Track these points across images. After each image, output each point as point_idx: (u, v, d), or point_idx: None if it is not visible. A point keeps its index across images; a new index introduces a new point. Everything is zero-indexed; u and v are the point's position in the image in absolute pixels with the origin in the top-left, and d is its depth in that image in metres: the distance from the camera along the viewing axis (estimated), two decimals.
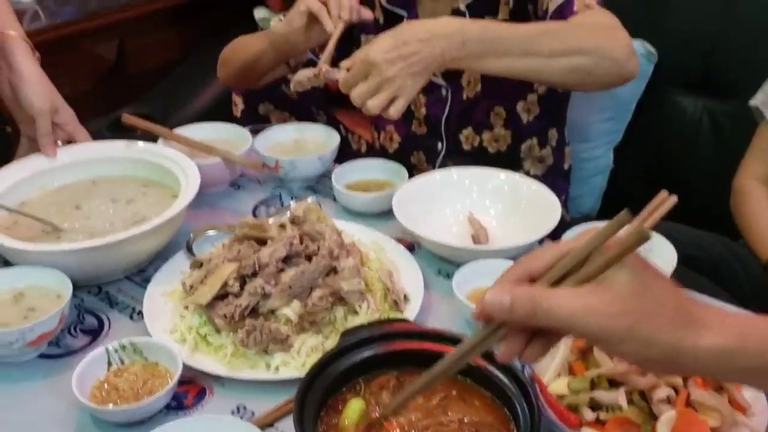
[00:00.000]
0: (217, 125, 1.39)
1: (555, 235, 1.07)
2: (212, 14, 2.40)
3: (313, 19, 1.27)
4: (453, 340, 0.79)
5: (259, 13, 2.28)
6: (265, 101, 1.59)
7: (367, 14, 1.28)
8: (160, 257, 1.10)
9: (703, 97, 1.65)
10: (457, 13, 1.37)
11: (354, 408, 0.74)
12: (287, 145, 1.40)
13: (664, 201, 0.99)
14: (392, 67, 1.09)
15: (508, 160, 1.47)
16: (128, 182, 1.20)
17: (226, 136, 1.37)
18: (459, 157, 1.48)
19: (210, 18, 2.38)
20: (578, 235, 0.59)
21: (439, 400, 0.76)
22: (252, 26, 2.16)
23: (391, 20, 1.42)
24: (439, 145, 1.49)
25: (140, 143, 1.24)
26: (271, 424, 0.85)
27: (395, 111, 1.12)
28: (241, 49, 1.46)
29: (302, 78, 1.25)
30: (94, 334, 1.00)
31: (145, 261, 1.11)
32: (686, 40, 1.63)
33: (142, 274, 1.10)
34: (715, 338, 0.56)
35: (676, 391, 0.78)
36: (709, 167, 1.64)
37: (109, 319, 1.02)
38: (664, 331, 0.55)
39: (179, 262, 1.08)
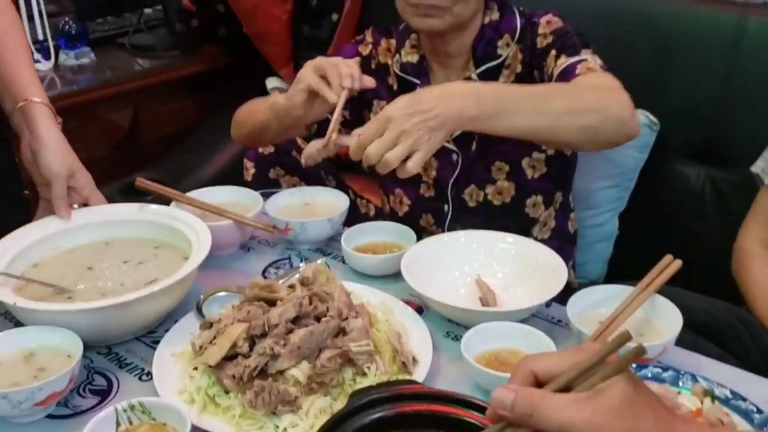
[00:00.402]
0: (229, 188, 1.42)
1: (562, 299, 1.08)
2: (225, 84, 2.46)
3: (313, 93, 1.27)
4: (462, 402, 0.78)
5: (271, 83, 2.34)
6: (276, 166, 1.63)
7: (369, 82, 1.28)
8: (170, 318, 1.11)
9: (705, 166, 1.68)
10: (468, 81, 1.42)
11: None
12: (297, 208, 1.42)
13: (669, 264, 1.00)
14: (410, 120, 1.09)
15: (516, 217, 1.49)
16: (140, 244, 1.22)
17: (237, 199, 1.39)
18: (466, 215, 1.50)
19: (223, 88, 2.44)
20: (580, 347, 0.64)
21: None
22: (265, 95, 2.22)
23: (405, 88, 1.47)
24: (446, 207, 1.51)
25: (153, 206, 1.26)
26: None
27: (413, 165, 1.09)
28: (251, 114, 1.49)
29: (312, 151, 1.25)
30: (103, 394, 1.00)
31: (155, 322, 1.11)
32: (687, 109, 1.67)
33: (151, 335, 1.11)
34: None
35: None
36: (713, 234, 1.65)
37: (118, 380, 1.02)
38: None
39: (189, 323, 1.08)
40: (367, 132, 1.11)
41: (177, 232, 1.20)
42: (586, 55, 1.33)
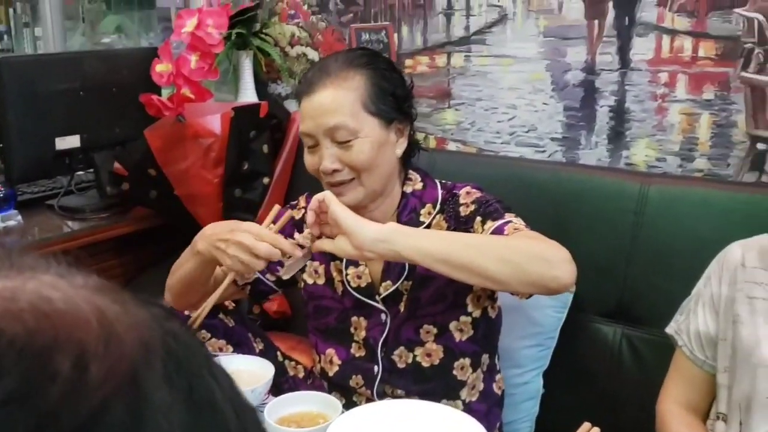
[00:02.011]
0: None
1: None
2: (154, 244, 2.47)
3: None
4: None
5: None
6: (200, 330, 1.62)
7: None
8: None
9: (620, 324, 1.75)
10: None
11: None
12: None
13: None
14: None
15: (445, 379, 1.51)
16: None
17: None
18: (396, 376, 1.51)
19: (152, 248, 2.44)
20: None
21: None
22: None
23: None
24: (376, 368, 1.52)
25: None
26: None
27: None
28: (177, 268, 1.52)
29: (292, 263, 1.33)
30: None
31: None
32: (599, 271, 1.76)
33: None
34: None
35: None
36: (633, 393, 1.70)
37: None
38: None
39: None
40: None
41: None
42: (510, 217, 1.42)
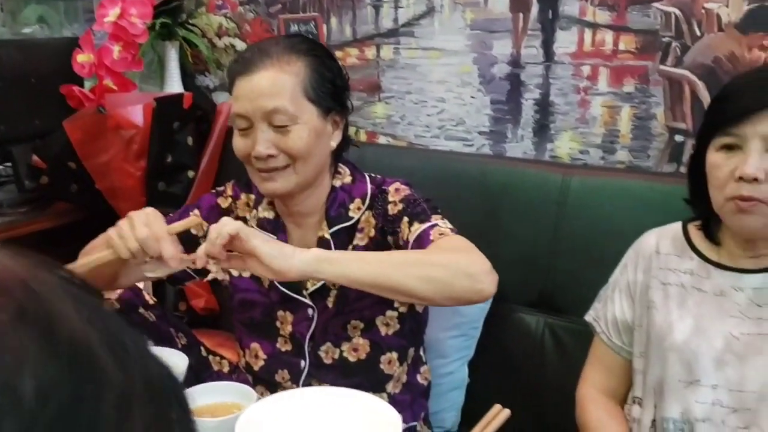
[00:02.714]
0: None
1: None
2: (76, 240, 2.39)
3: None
4: None
5: None
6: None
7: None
8: None
9: (543, 314, 1.77)
10: (322, 240, 1.47)
11: None
12: None
13: (498, 414, 1.03)
14: None
15: (371, 374, 1.50)
16: None
17: None
18: (323, 371, 1.49)
19: (74, 243, 2.36)
20: None
21: None
22: None
23: None
24: (302, 363, 1.50)
25: None
26: None
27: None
28: (86, 253, 1.45)
29: (156, 266, 1.26)
30: None
31: None
32: (522, 261, 1.78)
33: None
34: None
35: None
36: (556, 380, 1.72)
37: None
38: None
39: None
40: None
41: None
42: (436, 220, 1.41)
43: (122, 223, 1.27)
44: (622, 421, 1.44)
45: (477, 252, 1.33)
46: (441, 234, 1.37)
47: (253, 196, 1.57)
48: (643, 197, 1.70)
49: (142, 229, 1.23)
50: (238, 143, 1.43)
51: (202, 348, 1.69)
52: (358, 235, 1.49)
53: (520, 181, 1.84)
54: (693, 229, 1.44)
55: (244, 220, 1.55)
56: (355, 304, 1.47)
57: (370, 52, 2.26)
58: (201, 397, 1.28)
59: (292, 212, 1.50)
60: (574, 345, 1.70)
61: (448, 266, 1.26)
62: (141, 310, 1.59)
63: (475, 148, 2.13)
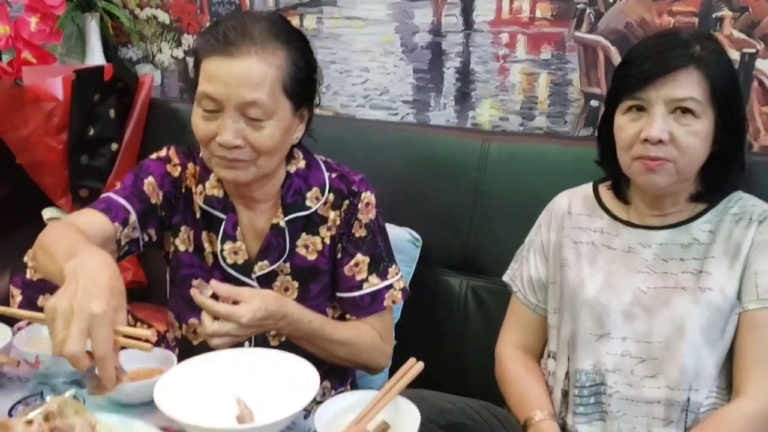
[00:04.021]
0: None
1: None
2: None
3: None
4: None
5: (48, 213, 2.27)
6: (46, 293, 1.52)
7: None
8: None
9: (465, 276, 1.83)
10: (276, 227, 1.45)
11: None
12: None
13: (412, 367, 1.06)
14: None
15: None
16: None
17: None
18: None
19: None
20: None
21: None
22: (42, 226, 2.13)
23: (208, 219, 1.47)
24: (246, 343, 1.45)
25: None
26: None
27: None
28: (47, 250, 1.25)
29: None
30: None
31: None
32: (445, 225, 1.82)
33: None
34: None
35: None
36: (478, 340, 1.78)
37: None
38: None
39: None
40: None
41: None
42: (392, 277, 1.51)
43: (58, 319, 0.99)
44: (539, 375, 1.50)
45: (387, 343, 1.55)
46: (393, 302, 1.51)
47: (198, 168, 1.49)
48: (559, 161, 1.76)
49: (74, 346, 0.98)
50: (200, 124, 1.34)
51: (129, 317, 1.67)
52: (322, 229, 1.48)
53: (442, 149, 1.88)
54: (603, 190, 1.50)
55: (191, 192, 1.49)
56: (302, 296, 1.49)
57: (293, 22, 2.24)
58: (124, 364, 1.27)
59: (245, 197, 1.46)
60: (495, 304, 1.75)
61: (367, 353, 1.50)
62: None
63: (400, 116, 2.16)
